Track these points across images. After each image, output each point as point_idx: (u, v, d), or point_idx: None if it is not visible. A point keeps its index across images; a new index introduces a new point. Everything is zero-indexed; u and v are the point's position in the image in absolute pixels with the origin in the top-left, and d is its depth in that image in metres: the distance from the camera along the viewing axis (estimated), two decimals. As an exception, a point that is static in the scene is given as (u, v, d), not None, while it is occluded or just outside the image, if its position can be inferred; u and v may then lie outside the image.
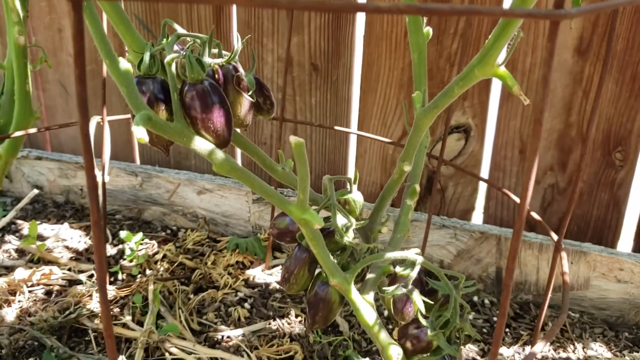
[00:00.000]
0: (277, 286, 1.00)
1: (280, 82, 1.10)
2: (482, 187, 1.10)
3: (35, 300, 0.93)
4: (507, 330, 0.91)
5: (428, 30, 0.71)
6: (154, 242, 1.08)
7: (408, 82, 1.05)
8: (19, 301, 0.93)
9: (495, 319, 0.93)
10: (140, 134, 0.50)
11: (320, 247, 0.61)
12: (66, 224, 1.12)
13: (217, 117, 0.58)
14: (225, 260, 1.04)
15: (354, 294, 0.63)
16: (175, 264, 1.02)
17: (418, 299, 0.61)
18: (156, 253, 1.05)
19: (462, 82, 0.62)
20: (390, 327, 0.88)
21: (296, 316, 0.92)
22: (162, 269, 1.00)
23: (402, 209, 0.75)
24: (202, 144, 0.57)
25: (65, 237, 1.09)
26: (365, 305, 0.64)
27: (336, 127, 0.98)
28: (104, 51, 0.55)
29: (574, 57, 0.95)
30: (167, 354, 0.81)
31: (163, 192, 1.14)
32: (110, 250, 1.06)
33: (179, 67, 0.59)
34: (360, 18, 1.06)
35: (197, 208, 1.14)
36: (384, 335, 0.64)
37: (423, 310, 0.61)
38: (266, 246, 1.07)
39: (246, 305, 0.94)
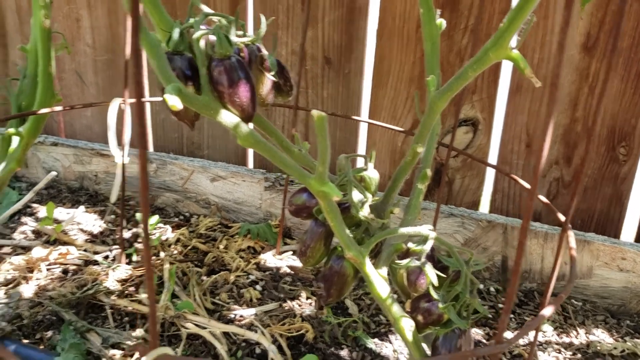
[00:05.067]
0: (288, 270, 1.02)
1: (293, 74, 1.13)
2: (489, 180, 1.12)
3: (52, 278, 0.96)
4: (511, 316, 0.94)
5: (441, 22, 0.74)
6: (167, 226, 1.10)
7: (418, 76, 1.07)
8: (37, 278, 0.95)
9: (500, 305, 0.95)
10: (172, 101, 0.53)
11: (337, 221, 0.64)
12: (82, 207, 1.15)
13: (243, 92, 0.61)
14: (237, 245, 1.06)
15: (369, 268, 0.66)
16: (189, 248, 1.04)
17: (431, 271, 0.64)
18: (169, 237, 1.07)
19: (476, 65, 0.65)
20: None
21: (307, 298, 0.95)
22: (175, 252, 1.03)
23: (413, 192, 0.77)
24: (228, 117, 0.60)
25: (80, 221, 1.12)
26: (379, 279, 0.66)
27: (353, 117, 1.01)
28: (137, 25, 0.58)
29: (580, 54, 0.98)
30: (182, 329, 0.84)
31: (177, 179, 1.17)
32: (125, 234, 1.09)
33: (207, 44, 0.62)
34: (374, 13, 1.09)
35: (210, 195, 1.16)
36: (396, 308, 0.67)
37: (436, 282, 0.64)
38: (277, 232, 1.09)
39: (258, 287, 0.97)
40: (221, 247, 1.06)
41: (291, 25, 1.12)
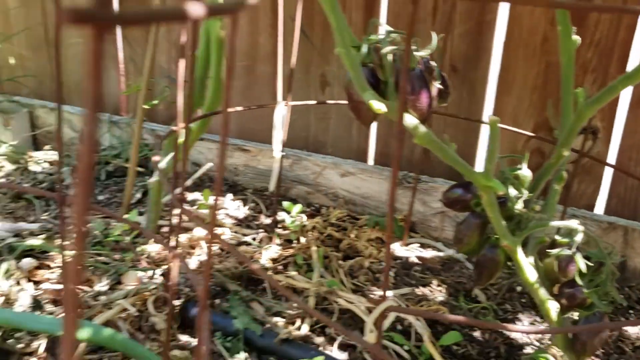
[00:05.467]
0: (416, 260, 1.12)
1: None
2: (605, 185, 1.19)
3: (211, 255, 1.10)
4: (630, 311, 1.01)
5: (576, 38, 0.82)
6: (302, 215, 1.23)
7: (541, 85, 1.15)
8: (198, 254, 1.10)
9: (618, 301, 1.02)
10: (378, 106, 0.64)
11: (496, 213, 0.74)
12: (230, 195, 1.29)
13: (424, 98, 0.72)
14: (367, 235, 1.17)
15: (520, 255, 0.75)
16: (324, 235, 1.16)
17: (580, 260, 0.72)
18: (306, 225, 1.20)
19: (626, 81, 0.73)
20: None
21: (437, 285, 1.04)
22: (313, 237, 1.15)
23: (549, 192, 0.86)
24: (409, 120, 0.71)
25: (227, 207, 1.26)
26: (528, 266, 0.76)
27: (482, 121, 1.10)
28: (341, 42, 0.70)
29: None
30: (334, 304, 0.95)
31: (309, 174, 1.29)
32: (265, 220, 1.22)
33: (394, 57, 0.73)
34: (501, 26, 1.18)
35: (338, 189, 1.28)
36: (543, 292, 0.76)
37: (584, 270, 0.72)
38: (402, 225, 1.20)
39: (390, 273, 1.08)
40: (352, 235, 1.17)
41: (420, 35, 1.22)
